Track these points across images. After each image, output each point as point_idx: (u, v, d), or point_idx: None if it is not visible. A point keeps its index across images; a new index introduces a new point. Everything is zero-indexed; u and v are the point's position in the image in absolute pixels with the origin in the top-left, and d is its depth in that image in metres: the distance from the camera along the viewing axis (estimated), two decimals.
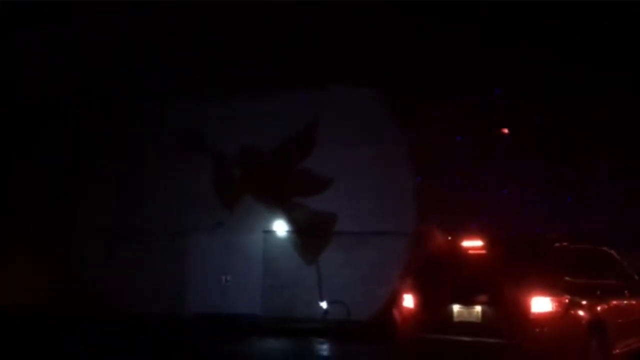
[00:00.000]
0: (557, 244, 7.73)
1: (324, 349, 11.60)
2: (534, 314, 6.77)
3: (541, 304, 6.78)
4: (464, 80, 14.65)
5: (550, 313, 6.79)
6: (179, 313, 15.07)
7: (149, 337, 12.70)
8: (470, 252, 7.80)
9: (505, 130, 14.88)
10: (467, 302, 7.17)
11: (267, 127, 15.49)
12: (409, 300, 7.69)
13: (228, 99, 15.62)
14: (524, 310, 6.78)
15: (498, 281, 7.12)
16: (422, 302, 7.56)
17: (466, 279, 7.41)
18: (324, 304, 14.66)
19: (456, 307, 7.23)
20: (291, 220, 15.43)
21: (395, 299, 8.05)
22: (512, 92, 14.66)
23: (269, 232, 15.48)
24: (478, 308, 7.06)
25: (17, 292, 15.76)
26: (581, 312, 7.10)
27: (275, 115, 15.49)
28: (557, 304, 6.84)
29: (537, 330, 6.79)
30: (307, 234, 15.32)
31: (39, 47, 14.44)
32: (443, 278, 7.59)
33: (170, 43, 14.17)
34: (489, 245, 7.73)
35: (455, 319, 7.22)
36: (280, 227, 15.46)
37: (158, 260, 15.60)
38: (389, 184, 14.98)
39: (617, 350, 7.55)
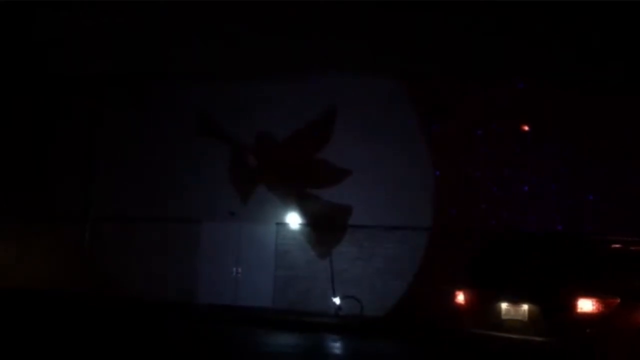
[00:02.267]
0: (614, 245, 7.75)
1: (338, 346, 11.21)
2: (580, 314, 6.81)
3: (588, 305, 6.82)
4: (487, 72, 14.37)
5: (597, 314, 6.79)
6: (191, 301, 14.81)
7: (157, 325, 12.47)
8: (519, 250, 8.06)
9: (526, 128, 14.52)
10: (515, 300, 7.33)
11: (283, 115, 15.26)
12: (460, 297, 8.02)
13: (246, 83, 15.40)
14: (570, 310, 6.85)
15: (546, 280, 7.30)
16: (472, 299, 7.86)
17: (514, 276, 7.62)
18: (337, 300, 14.33)
19: (504, 305, 7.42)
20: (305, 212, 15.15)
21: (447, 295, 8.43)
22: (536, 84, 14.33)
23: (282, 224, 15.19)
24: (525, 306, 7.23)
25: (33, 275, 15.61)
26: (632, 315, 6.95)
27: (292, 103, 15.27)
28: (605, 306, 6.82)
29: (584, 330, 6.80)
30: (321, 226, 15.03)
31: (57, 24, 14.25)
32: (492, 276, 7.87)
33: (188, 26, 13.92)
34: (537, 244, 8.09)
35: (503, 317, 7.42)
36: (294, 219, 15.17)
37: (172, 247, 15.37)
38: (407, 177, 14.68)
39: None
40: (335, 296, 14.39)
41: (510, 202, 14.23)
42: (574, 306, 6.82)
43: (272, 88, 15.40)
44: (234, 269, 15.07)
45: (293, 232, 15.16)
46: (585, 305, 6.80)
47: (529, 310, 7.18)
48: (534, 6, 12.95)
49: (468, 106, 14.49)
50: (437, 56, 14.08)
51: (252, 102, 15.51)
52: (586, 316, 6.78)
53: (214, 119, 15.73)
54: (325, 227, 15.00)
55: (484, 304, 7.65)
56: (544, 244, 8.15)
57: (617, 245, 7.75)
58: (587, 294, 6.83)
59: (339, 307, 14.25)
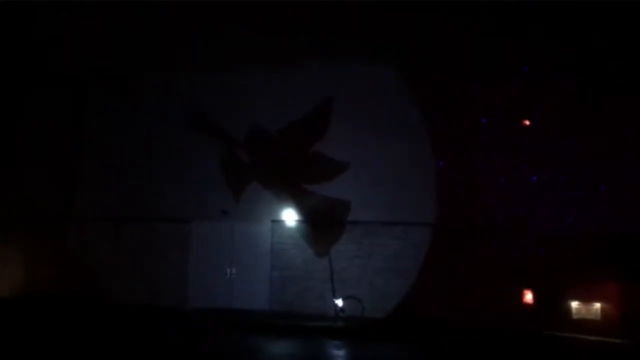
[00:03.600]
0: None
1: (342, 354, 10.48)
2: None
3: None
4: (490, 59, 13.58)
5: None
6: (182, 306, 14.09)
7: (145, 332, 11.75)
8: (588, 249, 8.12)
9: (527, 122, 13.76)
10: (586, 299, 7.41)
11: (277, 108, 14.45)
12: (528, 296, 8.26)
13: (237, 75, 14.58)
14: None
15: (618, 279, 7.43)
16: (541, 298, 8.00)
17: (585, 275, 7.71)
18: (339, 302, 13.62)
19: (574, 304, 7.58)
20: (301, 208, 14.37)
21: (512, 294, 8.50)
22: (542, 70, 13.55)
23: (278, 222, 14.42)
24: (597, 305, 7.36)
25: (11, 281, 14.86)
26: None
27: (286, 94, 14.45)
28: None
29: None
30: (319, 223, 14.27)
31: (40, 14, 13.38)
32: (562, 274, 8.02)
33: (175, 17, 13.05)
34: (606, 242, 8.15)
35: (574, 316, 7.58)
36: (290, 216, 14.39)
37: (161, 248, 14.58)
38: (407, 170, 13.96)
39: None
40: (336, 297, 13.67)
41: (518, 194, 13.48)
42: None
43: (266, 80, 14.61)
44: (228, 270, 14.32)
45: (289, 229, 14.40)
46: None
47: (602, 310, 7.22)
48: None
49: (471, 94, 13.69)
50: (438, 45, 13.31)
51: (244, 94, 14.71)
52: None
53: (203, 113, 14.88)
54: (322, 224, 14.25)
55: (553, 303, 7.53)
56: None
57: None
58: None
59: (341, 309, 13.54)
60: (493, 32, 13.13)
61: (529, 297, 7.81)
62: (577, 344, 7.15)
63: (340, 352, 10.66)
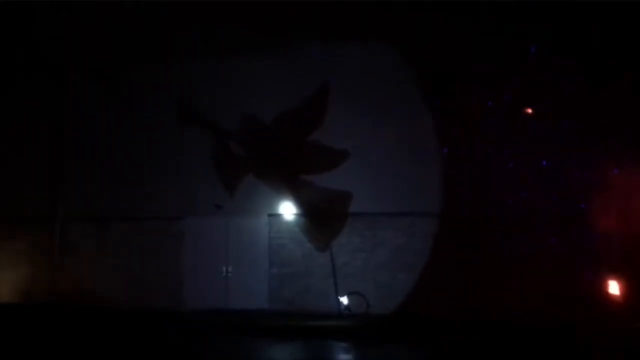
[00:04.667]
0: None
1: (349, 358, 9.68)
2: None
3: None
4: (495, 38, 12.86)
5: None
6: (176, 307, 13.28)
7: (137, 338, 10.95)
8: None
9: (529, 110, 13.06)
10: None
11: (270, 94, 13.62)
12: (614, 287, 7.82)
13: (226, 60, 13.71)
14: None
15: None
16: (630, 288, 7.57)
17: None
18: (344, 299, 12.86)
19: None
20: (300, 201, 13.57)
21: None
22: (550, 50, 12.86)
23: (275, 216, 13.62)
24: None
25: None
26: None
27: (280, 81, 13.63)
28: None
29: None
30: (318, 216, 13.48)
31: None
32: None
33: (163, 2, 12.18)
34: None
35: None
36: (288, 210, 13.60)
37: (152, 248, 13.73)
38: (411, 158, 13.19)
39: None
40: (339, 294, 12.92)
41: (528, 179, 12.78)
42: None
43: (257, 64, 13.77)
44: (224, 269, 13.52)
45: (287, 223, 13.61)
46: None
47: None
48: None
49: (477, 75, 12.96)
50: (439, 26, 12.57)
51: (234, 81, 13.89)
52: None
53: (194, 105, 14.03)
54: (322, 217, 13.47)
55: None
56: None
57: None
58: None
59: (346, 308, 12.79)
60: (500, 11, 12.43)
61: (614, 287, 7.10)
62: None
63: (347, 356, 9.89)
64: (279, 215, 13.62)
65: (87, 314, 12.78)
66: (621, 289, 6.89)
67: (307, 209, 13.55)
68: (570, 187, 12.59)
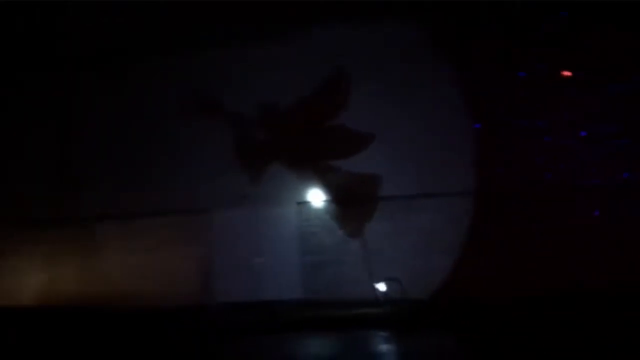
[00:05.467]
0: None
1: (394, 350, 9.09)
2: None
3: None
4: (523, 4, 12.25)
5: None
6: (206, 302, 12.94)
7: (168, 335, 10.62)
8: None
9: (568, 73, 12.41)
10: None
11: (290, 76, 13.13)
12: None
13: (242, 45, 13.26)
14: None
15: None
16: None
17: None
18: (380, 286, 12.42)
19: None
20: (328, 187, 13.13)
21: None
22: (583, 15, 12.21)
23: (304, 204, 13.19)
24: None
25: (21, 290, 13.67)
26: None
27: (299, 62, 13.14)
28: None
29: None
30: (349, 202, 13.03)
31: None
32: None
33: None
34: None
35: None
36: (317, 197, 13.17)
37: (179, 243, 13.33)
38: (440, 135, 12.66)
39: None
40: (375, 281, 12.48)
41: (566, 151, 12.20)
42: None
43: (272, 47, 13.29)
44: (254, 260, 13.15)
45: (317, 211, 13.18)
46: None
47: None
48: None
49: (507, 45, 12.37)
50: None
51: (251, 66, 13.42)
52: None
53: (210, 94, 13.63)
54: (353, 202, 13.03)
55: None
56: None
57: None
58: None
59: (385, 294, 12.34)
60: None
61: None
62: None
63: (390, 347, 9.39)
64: (308, 203, 13.20)
65: (112, 314, 12.48)
66: None
67: (336, 195, 13.10)
68: (612, 157, 12.02)
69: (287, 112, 13.30)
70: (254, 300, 12.82)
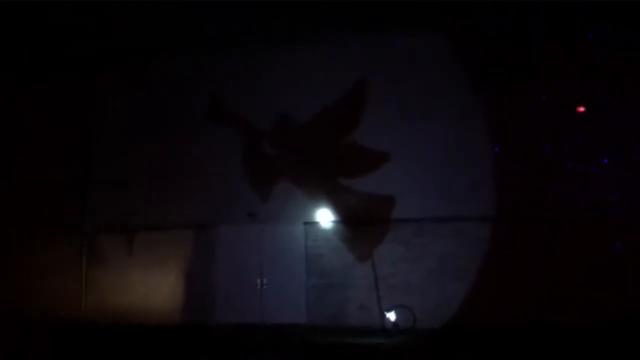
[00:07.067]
0: None
1: None
2: None
3: None
4: (548, 25, 11.89)
5: None
6: (208, 322, 12.41)
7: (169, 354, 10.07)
8: None
9: (582, 109, 11.95)
10: None
11: (304, 92, 12.81)
12: None
13: (258, 56, 12.97)
14: None
15: None
16: None
17: None
18: (391, 315, 11.81)
19: None
20: (338, 207, 12.63)
21: None
22: (608, 37, 11.81)
23: (312, 224, 12.69)
24: None
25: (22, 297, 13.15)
26: None
27: (314, 76, 12.82)
28: None
29: None
30: (359, 223, 12.50)
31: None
32: None
33: None
34: None
35: None
36: (325, 217, 12.66)
37: (182, 258, 12.94)
38: (459, 158, 12.18)
39: None
40: (385, 309, 11.86)
41: (588, 179, 11.65)
42: None
43: (291, 59, 13.05)
44: (258, 280, 12.59)
45: (325, 232, 12.66)
46: None
47: None
48: None
49: (529, 67, 11.95)
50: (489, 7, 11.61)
51: (266, 78, 13.16)
52: None
53: (223, 103, 13.30)
54: (363, 224, 12.49)
55: None
56: None
57: None
58: None
59: (395, 325, 11.71)
60: None
61: None
62: None
63: None
64: (316, 223, 12.69)
65: (111, 328, 12.03)
66: None
67: (346, 216, 12.59)
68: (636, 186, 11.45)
69: (301, 126, 12.91)
70: (256, 322, 12.27)
